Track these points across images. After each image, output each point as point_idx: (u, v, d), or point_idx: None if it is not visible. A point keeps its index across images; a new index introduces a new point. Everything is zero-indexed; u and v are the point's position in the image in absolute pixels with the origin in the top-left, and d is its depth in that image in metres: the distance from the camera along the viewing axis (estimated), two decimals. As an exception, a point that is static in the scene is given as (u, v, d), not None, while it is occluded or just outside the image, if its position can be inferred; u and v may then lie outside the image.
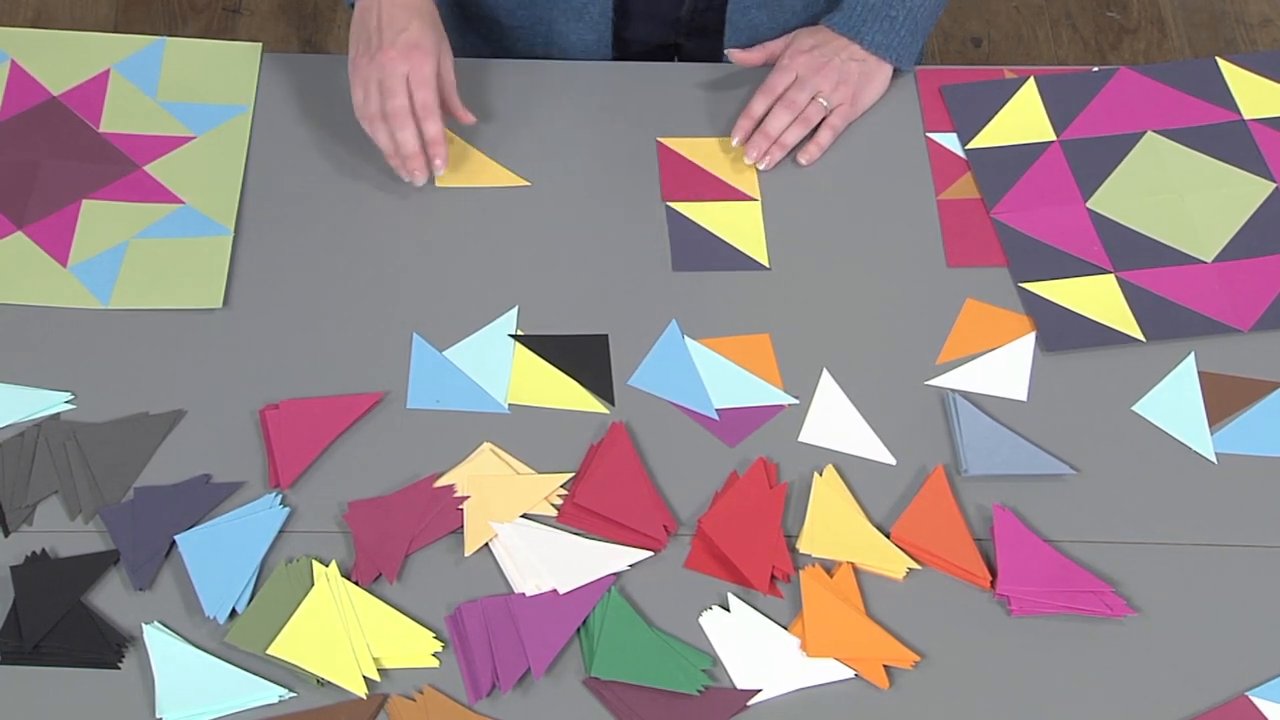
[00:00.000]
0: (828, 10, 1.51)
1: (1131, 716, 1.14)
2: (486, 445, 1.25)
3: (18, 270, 1.33)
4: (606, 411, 1.28)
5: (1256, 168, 1.46)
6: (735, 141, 1.42)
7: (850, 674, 1.15)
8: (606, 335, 1.32)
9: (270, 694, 1.12)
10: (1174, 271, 1.38)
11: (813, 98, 1.42)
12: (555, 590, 1.17)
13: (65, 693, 1.12)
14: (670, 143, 1.45)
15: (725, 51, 1.46)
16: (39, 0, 2.58)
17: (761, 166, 1.42)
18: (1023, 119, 1.49)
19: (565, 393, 1.29)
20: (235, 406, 1.26)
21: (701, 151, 1.45)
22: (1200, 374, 1.32)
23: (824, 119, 1.43)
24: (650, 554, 1.20)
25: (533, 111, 1.43)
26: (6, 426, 1.24)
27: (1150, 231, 1.41)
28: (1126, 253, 1.39)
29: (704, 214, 1.40)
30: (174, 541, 1.19)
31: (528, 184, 1.41)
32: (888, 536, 1.21)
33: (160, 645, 1.14)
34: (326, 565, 1.18)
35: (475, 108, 1.46)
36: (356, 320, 1.32)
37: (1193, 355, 1.33)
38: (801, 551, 1.20)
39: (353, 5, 1.35)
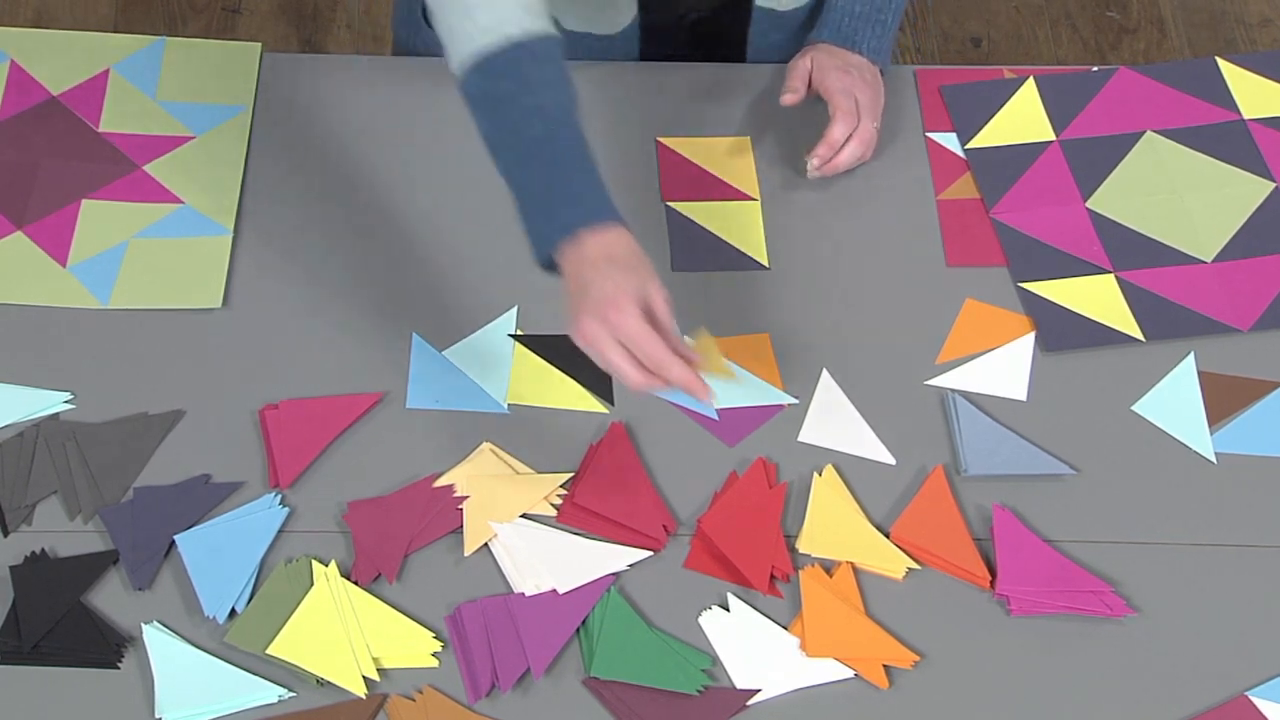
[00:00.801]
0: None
1: (1131, 716, 1.14)
2: (486, 445, 1.25)
3: (18, 270, 1.33)
4: (606, 411, 1.28)
5: (1256, 168, 1.46)
6: (816, 165, 1.39)
7: (850, 674, 1.15)
8: (606, 335, 1.32)
9: (270, 694, 1.12)
10: (1173, 271, 1.38)
11: (874, 126, 1.40)
12: (555, 590, 1.17)
13: (65, 693, 1.12)
14: (670, 143, 1.45)
15: (782, 100, 1.41)
16: (39, 0, 2.58)
17: (814, 177, 1.41)
18: (1022, 119, 1.49)
19: (565, 393, 1.29)
20: (235, 406, 1.26)
21: (701, 151, 1.45)
22: (1200, 374, 1.32)
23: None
24: (650, 554, 1.20)
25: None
26: (6, 426, 1.24)
27: (1150, 231, 1.41)
28: (1126, 253, 1.39)
29: (704, 214, 1.40)
30: (174, 541, 1.19)
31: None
32: (888, 536, 1.21)
33: (160, 645, 1.14)
34: (326, 565, 1.18)
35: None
36: (356, 320, 1.32)
37: (1192, 355, 1.33)
38: (801, 552, 1.20)
39: (547, 268, 1.18)
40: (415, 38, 1.56)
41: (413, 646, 1.15)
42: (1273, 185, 1.44)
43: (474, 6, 1.17)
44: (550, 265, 1.16)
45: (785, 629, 1.17)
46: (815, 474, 1.24)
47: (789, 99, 1.41)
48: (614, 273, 1.13)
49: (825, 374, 1.31)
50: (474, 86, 1.18)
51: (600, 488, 1.22)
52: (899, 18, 1.46)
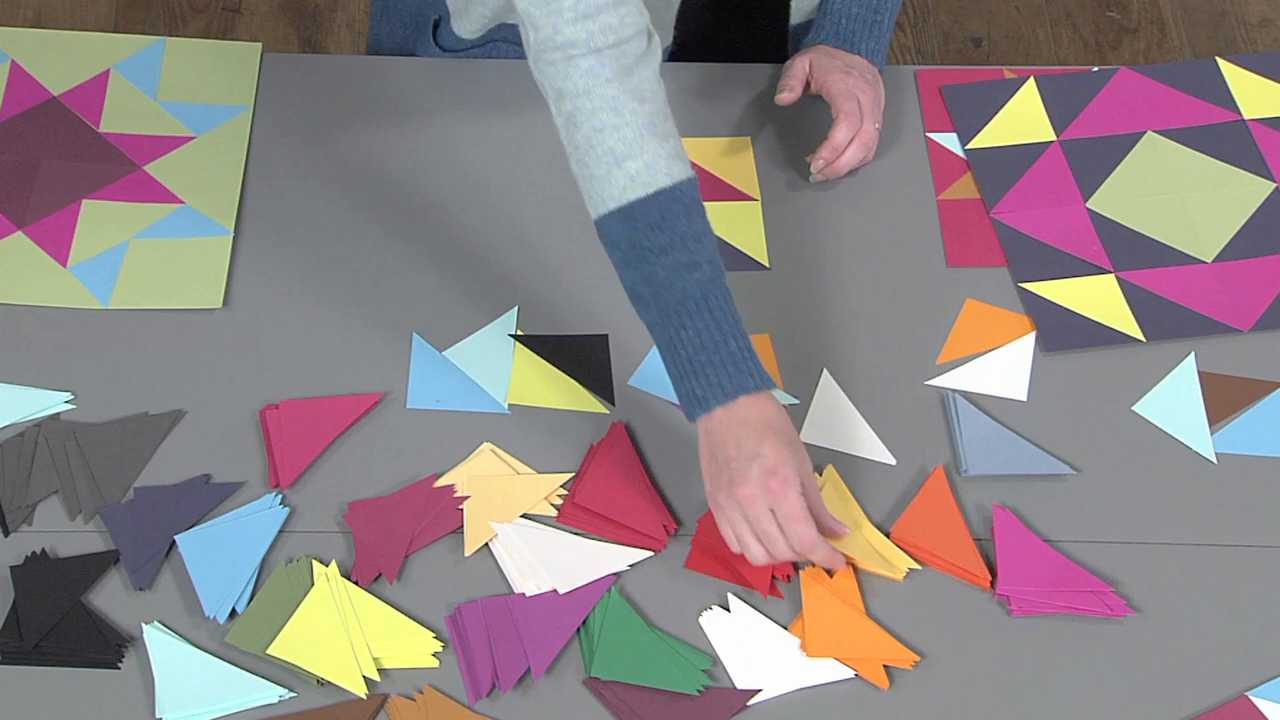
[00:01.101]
0: None
1: (1131, 716, 1.14)
2: (486, 445, 1.25)
3: (18, 270, 1.33)
4: (606, 411, 1.28)
5: (1256, 168, 1.46)
6: (819, 167, 1.39)
7: (850, 674, 1.15)
8: (606, 335, 1.32)
9: (270, 694, 1.12)
10: (1174, 271, 1.38)
11: (875, 128, 1.40)
12: (555, 590, 1.17)
13: (65, 693, 1.12)
14: (670, 143, 1.45)
15: (777, 99, 1.42)
16: (39, 0, 2.58)
17: (817, 180, 1.42)
18: (1022, 119, 1.49)
19: (565, 393, 1.29)
20: (235, 406, 1.26)
21: (701, 151, 1.44)
22: (1200, 374, 1.32)
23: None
24: (650, 554, 1.20)
25: (533, 111, 1.43)
26: (6, 426, 1.24)
27: (1150, 231, 1.41)
28: (1126, 253, 1.39)
29: (704, 214, 1.40)
30: (174, 541, 1.19)
31: (528, 183, 1.41)
32: (888, 536, 1.21)
33: (160, 645, 1.14)
34: (326, 565, 1.18)
35: (474, 106, 1.46)
36: (356, 320, 1.32)
37: (1193, 355, 1.33)
38: (802, 555, 1.20)
39: (693, 420, 1.17)
40: (395, 43, 1.56)
41: (413, 646, 1.15)
42: (1273, 185, 1.44)
43: (623, 156, 1.14)
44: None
45: (785, 629, 1.17)
46: (817, 474, 1.24)
47: (784, 98, 1.41)
48: (779, 443, 1.13)
49: (825, 374, 1.31)
50: (619, 234, 1.15)
51: (600, 488, 1.22)
52: (894, 18, 1.46)
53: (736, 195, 1.42)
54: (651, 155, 1.15)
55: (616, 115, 1.15)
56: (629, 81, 1.16)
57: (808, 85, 1.42)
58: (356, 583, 1.17)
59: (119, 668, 1.13)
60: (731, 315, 1.15)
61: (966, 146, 1.47)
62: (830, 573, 1.19)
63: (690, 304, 1.14)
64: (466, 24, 1.46)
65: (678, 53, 1.50)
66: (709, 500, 1.15)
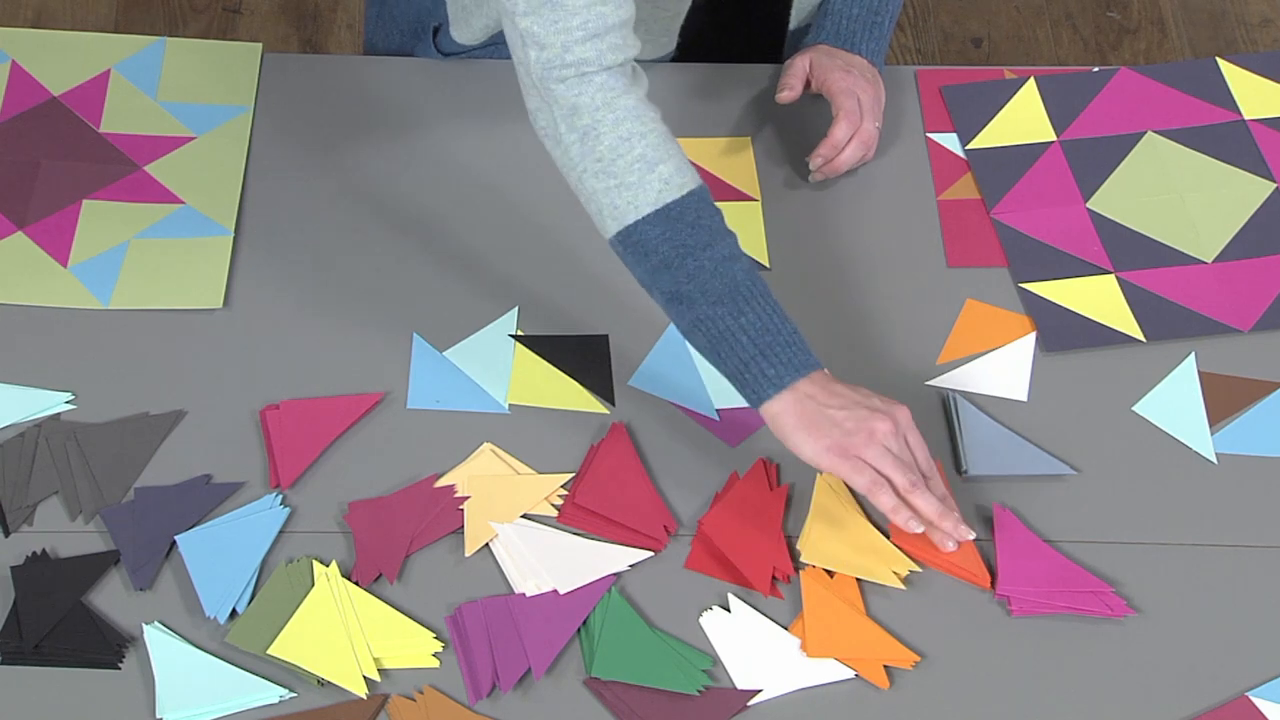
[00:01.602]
0: None
1: (1131, 716, 1.14)
2: (486, 445, 1.25)
3: (18, 270, 1.33)
4: (606, 411, 1.28)
5: (1256, 168, 1.46)
6: (817, 163, 1.39)
7: (850, 674, 1.15)
8: (606, 335, 1.32)
9: (270, 694, 1.12)
10: (1174, 271, 1.38)
11: (876, 127, 1.40)
12: (555, 590, 1.17)
13: (65, 693, 1.12)
14: (670, 143, 1.45)
15: (778, 97, 1.42)
16: (39, 0, 2.58)
17: (816, 179, 1.42)
18: (1023, 119, 1.49)
19: (565, 393, 1.29)
20: (235, 406, 1.26)
21: (701, 151, 1.45)
22: (1200, 374, 1.32)
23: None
24: (650, 554, 1.20)
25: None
26: (6, 426, 1.24)
27: (1150, 231, 1.41)
28: (1126, 253, 1.39)
29: (704, 214, 1.40)
30: (174, 542, 1.19)
31: (529, 183, 1.41)
32: (888, 537, 1.21)
33: (160, 645, 1.14)
34: (326, 565, 1.18)
35: (475, 107, 1.46)
36: (356, 320, 1.32)
37: (1193, 355, 1.33)
38: (802, 559, 1.20)
39: (763, 403, 1.17)
40: (391, 49, 1.56)
41: (413, 647, 1.15)
42: (1273, 185, 1.44)
43: (655, 161, 1.17)
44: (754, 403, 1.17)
45: (786, 629, 1.17)
46: (818, 474, 1.24)
47: (785, 96, 1.41)
48: (869, 396, 1.17)
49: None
50: (656, 237, 1.17)
51: (601, 488, 1.23)
52: (895, 20, 1.46)
53: (736, 195, 1.42)
54: (678, 159, 1.19)
55: (641, 123, 1.18)
56: (639, 93, 1.20)
57: (808, 84, 1.42)
58: (357, 583, 1.17)
59: (119, 668, 1.13)
60: (775, 302, 1.18)
61: (967, 147, 1.47)
62: (831, 573, 1.19)
63: (743, 290, 1.16)
64: (467, 31, 1.46)
65: (678, 55, 1.50)
66: (829, 464, 1.15)
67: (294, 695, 1.12)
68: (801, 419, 1.15)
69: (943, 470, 1.22)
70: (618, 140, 1.17)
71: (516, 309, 1.34)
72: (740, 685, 1.14)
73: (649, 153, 1.17)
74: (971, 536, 1.17)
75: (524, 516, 1.21)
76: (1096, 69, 1.54)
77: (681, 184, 1.17)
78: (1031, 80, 1.52)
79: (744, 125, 1.48)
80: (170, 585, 1.17)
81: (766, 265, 1.37)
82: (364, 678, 1.13)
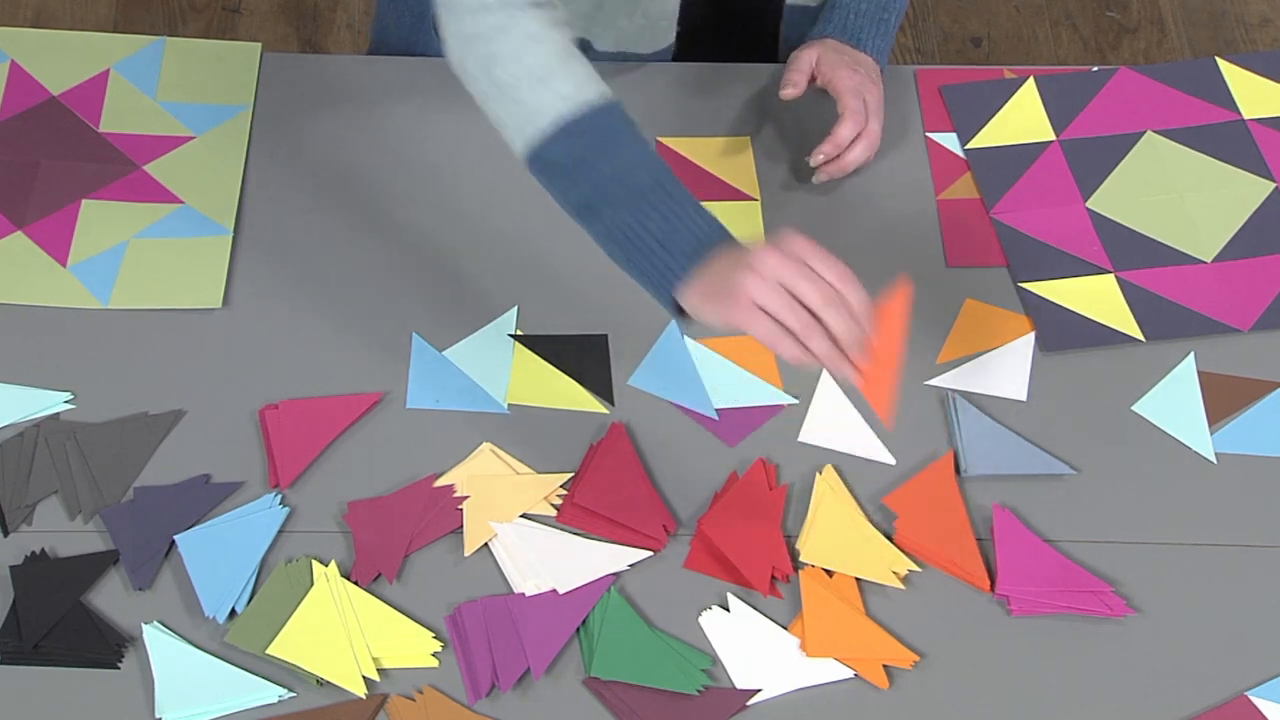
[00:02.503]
0: None
1: (1131, 716, 1.14)
2: (486, 445, 1.25)
3: (18, 270, 1.33)
4: (606, 411, 1.28)
5: (1256, 168, 1.46)
6: (818, 161, 1.38)
7: (850, 674, 1.15)
8: (606, 335, 1.32)
9: (270, 694, 1.12)
10: (1174, 271, 1.38)
11: (881, 125, 1.39)
12: (555, 590, 1.17)
13: (65, 693, 1.12)
14: (670, 143, 1.45)
15: (781, 93, 1.40)
16: (39, 0, 2.58)
17: (820, 179, 1.40)
18: (1022, 119, 1.49)
19: (565, 393, 1.29)
20: (235, 406, 1.26)
21: (701, 151, 1.45)
22: (1200, 374, 1.32)
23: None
24: (650, 554, 1.20)
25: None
26: (6, 426, 1.24)
27: (1150, 231, 1.41)
28: (1126, 253, 1.39)
29: (704, 214, 1.40)
30: (174, 541, 1.19)
31: (528, 183, 1.41)
32: (888, 537, 1.21)
33: (160, 645, 1.14)
34: (326, 565, 1.18)
35: (475, 106, 1.46)
36: (356, 320, 1.32)
37: (1192, 355, 1.33)
38: (802, 559, 1.20)
39: (670, 296, 1.14)
40: (400, 32, 1.56)
41: (413, 646, 1.15)
42: (1273, 185, 1.44)
43: (549, 76, 1.16)
44: (675, 306, 1.13)
45: (785, 629, 1.17)
46: (817, 474, 1.24)
47: (789, 92, 1.41)
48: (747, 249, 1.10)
49: (825, 374, 1.31)
50: (560, 152, 1.16)
51: (600, 488, 1.22)
52: (900, 18, 1.46)
53: (736, 195, 1.42)
54: (578, 74, 1.17)
55: (538, 44, 1.17)
56: (544, 20, 1.19)
57: (813, 79, 1.42)
58: (356, 583, 1.17)
59: (119, 668, 1.13)
60: (686, 193, 1.14)
61: (966, 146, 1.47)
62: (830, 573, 1.19)
63: (646, 192, 1.13)
64: None
65: (679, 47, 1.50)
66: (727, 318, 1.08)
67: (293, 695, 1.12)
68: (706, 294, 1.10)
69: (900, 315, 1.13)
70: (513, 62, 1.17)
71: (516, 309, 1.34)
72: (740, 685, 1.14)
73: (544, 71, 1.16)
74: (864, 363, 1.08)
75: (523, 516, 1.21)
76: (1096, 69, 1.54)
77: (581, 99, 1.15)
78: (1031, 80, 1.52)
79: (744, 124, 1.47)
80: (169, 585, 1.17)
81: (766, 265, 1.37)
82: (363, 677, 1.13)
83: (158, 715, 1.11)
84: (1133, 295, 1.37)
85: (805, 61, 1.41)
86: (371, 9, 2.61)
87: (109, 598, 1.16)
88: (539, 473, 1.24)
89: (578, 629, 1.16)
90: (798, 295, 1.07)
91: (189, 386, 1.27)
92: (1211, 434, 1.29)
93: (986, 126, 1.48)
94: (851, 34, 1.43)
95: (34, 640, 1.13)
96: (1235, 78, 1.53)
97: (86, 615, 1.15)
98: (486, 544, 1.20)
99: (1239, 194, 1.44)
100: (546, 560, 1.19)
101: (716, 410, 1.28)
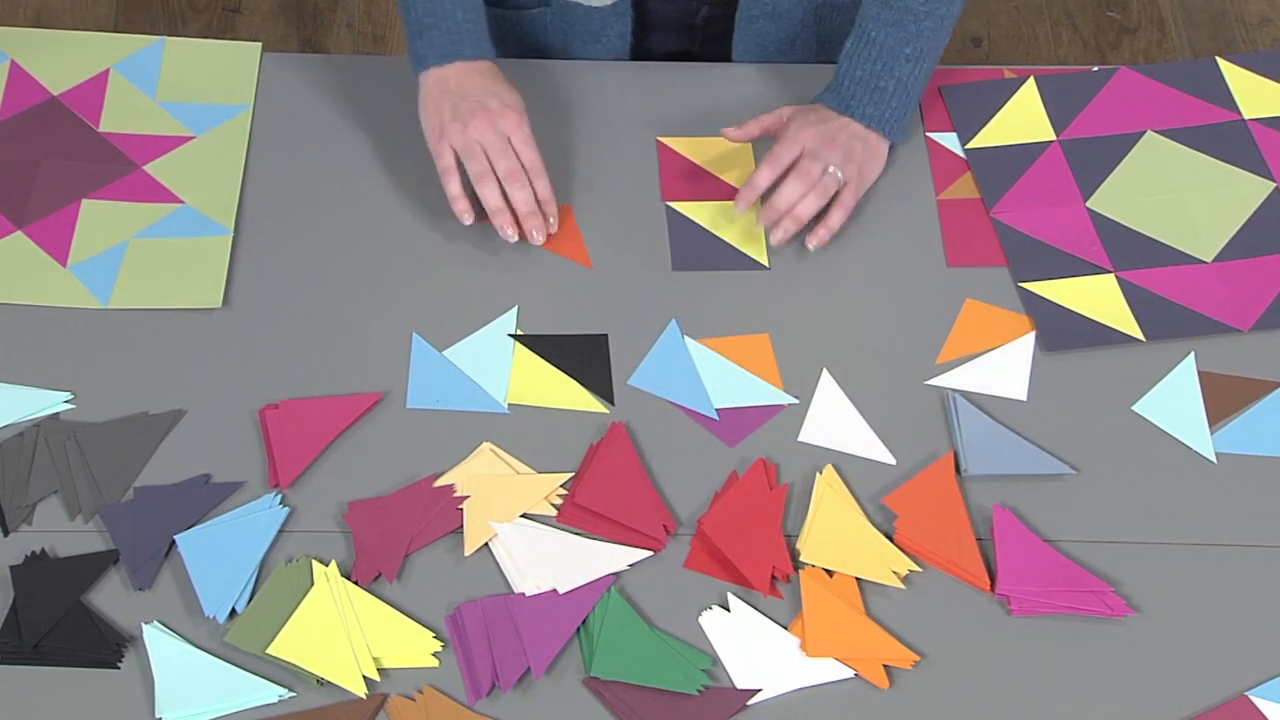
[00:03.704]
0: (828, 29, 1.51)
1: (1131, 716, 1.14)
2: (486, 445, 1.25)
3: (18, 270, 1.33)
4: (606, 411, 1.28)
5: (1256, 168, 1.46)
6: (739, 209, 1.35)
7: (850, 674, 1.15)
8: (606, 335, 1.32)
9: (270, 694, 1.12)
10: (1174, 271, 1.38)
11: (825, 169, 1.35)
12: (555, 590, 1.17)
13: (65, 693, 1.12)
14: (670, 142, 1.45)
15: (723, 131, 1.40)
16: (39, 0, 2.58)
17: (774, 241, 1.35)
18: (1022, 119, 1.49)
19: (565, 393, 1.29)
20: (235, 406, 1.26)
21: (701, 151, 1.45)
22: (1200, 374, 1.32)
23: (834, 198, 1.37)
24: (650, 554, 1.20)
25: (532, 111, 1.43)
26: (6, 426, 1.24)
27: (1150, 231, 1.41)
28: (1126, 252, 1.39)
29: (704, 213, 1.40)
30: (174, 541, 1.19)
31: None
32: (889, 537, 1.21)
33: (160, 645, 1.14)
34: (326, 565, 1.18)
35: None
36: (356, 320, 1.32)
37: (1192, 355, 1.33)
38: (802, 559, 1.20)
39: (418, 73, 1.36)
40: None
41: (413, 646, 1.15)
42: (1273, 185, 1.44)
43: None
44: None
45: (785, 629, 1.17)
46: (817, 474, 1.24)
47: (731, 132, 1.40)
48: (509, 89, 1.34)
49: (825, 374, 1.31)
50: None
51: (600, 488, 1.23)
52: (906, 90, 1.40)
53: (736, 195, 1.42)
54: None
55: None
56: None
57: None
58: (356, 582, 1.17)
59: (119, 668, 1.13)
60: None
61: (966, 146, 1.47)
62: (830, 573, 1.19)
63: None
64: None
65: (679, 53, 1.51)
66: (433, 136, 1.32)
67: (293, 695, 1.12)
68: (429, 98, 1.34)
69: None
70: None
71: (516, 308, 1.34)
72: (740, 685, 1.14)
73: None
74: (553, 229, 1.34)
75: (523, 516, 1.21)
76: (1096, 68, 1.54)
77: None
78: (1031, 80, 1.52)
79: (744, 125, 1.47)
80: (169, 585, 1.17)
81: (766, 265, 1.37)
82: (363, 677, 1.13)
83: (158, 715, 1.11)
84: (1133, 295, 1.37)
85: (769, 115, 1.41)
86: (371, 9, 2.61)
87: (109, 598, 1.16)
88: (539, 472, 1.24)
89: (578, 629, 1.16)
90: (491, 160, 1.32)
91: (189, 386, 1.27)
92: (1212, 434, 1.29)
93: (987, 126, 1.48)
94: (844, 101, 1.40)
95: (34, 640, 1.13)
96: (1235, 77, 1.53)
97: (86, 615, 1.15)
98: (486, 544, 1.20)
99: (1239, 194, 1.44)
100: (546, 560, 1.19)
101: (716, 410, 1.28)
